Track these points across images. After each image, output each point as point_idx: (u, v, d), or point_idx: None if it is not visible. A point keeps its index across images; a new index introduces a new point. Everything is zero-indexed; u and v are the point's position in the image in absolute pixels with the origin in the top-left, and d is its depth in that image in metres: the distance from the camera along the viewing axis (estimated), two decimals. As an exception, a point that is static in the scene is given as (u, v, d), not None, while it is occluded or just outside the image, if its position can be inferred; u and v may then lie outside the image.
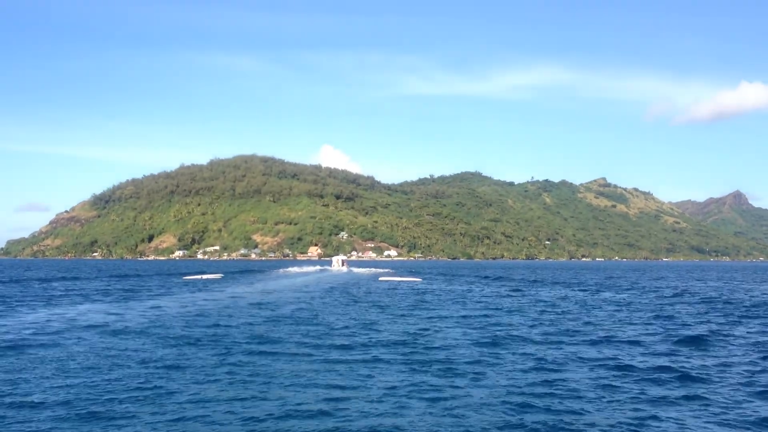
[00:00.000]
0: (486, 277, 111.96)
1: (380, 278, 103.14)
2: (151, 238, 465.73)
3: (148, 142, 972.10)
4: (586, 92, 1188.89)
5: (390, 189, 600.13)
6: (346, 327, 33.32)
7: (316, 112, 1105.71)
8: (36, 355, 24.11)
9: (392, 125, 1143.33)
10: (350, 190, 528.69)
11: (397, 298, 57.39)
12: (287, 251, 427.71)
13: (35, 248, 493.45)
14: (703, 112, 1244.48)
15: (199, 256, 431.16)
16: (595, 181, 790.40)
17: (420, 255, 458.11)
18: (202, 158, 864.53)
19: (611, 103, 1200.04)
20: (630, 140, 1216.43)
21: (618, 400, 17.95)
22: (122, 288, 71.25)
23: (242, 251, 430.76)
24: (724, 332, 32.39)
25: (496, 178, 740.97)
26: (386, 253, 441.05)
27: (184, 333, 30.21)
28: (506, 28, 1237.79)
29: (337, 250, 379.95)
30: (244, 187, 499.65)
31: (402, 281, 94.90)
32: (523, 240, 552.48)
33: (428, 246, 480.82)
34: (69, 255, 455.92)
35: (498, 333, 31.25)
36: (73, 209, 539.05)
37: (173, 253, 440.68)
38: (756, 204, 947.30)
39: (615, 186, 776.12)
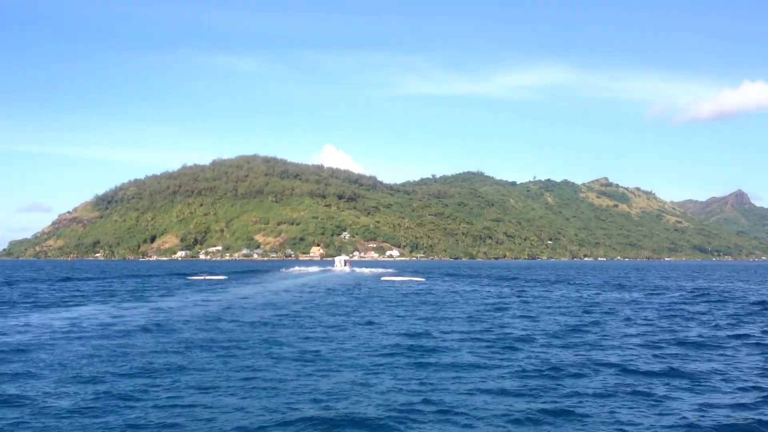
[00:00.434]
0: (503, 279, 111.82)
1: (383, 278, 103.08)
2: (153, 239, 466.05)
3: (150, 143, 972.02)
4: (587, 92, 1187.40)
5: (392, 189, 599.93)
6: (351, 328, 33.37)
7: (318, 112, 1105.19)
8: (45, 357, 24.15)
9: (394, 125, 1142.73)
10: (352, 190, 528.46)
11: (401, 298, 57.41)
12: (289, 251, 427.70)
13: (38, 249, 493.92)
14: (704, 112, 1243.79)
15: (202, 257, 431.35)
16: (597, 180, 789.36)
17: (422, 255, 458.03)
18: (205, 158, 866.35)
19: (613, 102, 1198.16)
20: (632, 140, 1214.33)
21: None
22: (127, 289, 71.29)
23: (244, 251, 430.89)
24: None
25: (498, 177, 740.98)
26: (388, 253, 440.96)
27: (191, 335, 30.28)
28: (507, 28, 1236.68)
29: (339, 251, 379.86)
30: (247, 188, 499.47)
31: (405, 281, 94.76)
32: (525, 240, 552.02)
33: (430, 246, 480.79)
34: (71, 256, 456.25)
35: (519, 335, 31.24)
36: (75, 210, 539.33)
37: (175, 253, 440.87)
38: (758, 203, 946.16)
39: (617, 185, 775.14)
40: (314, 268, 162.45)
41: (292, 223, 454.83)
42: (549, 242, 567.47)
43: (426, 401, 17.56)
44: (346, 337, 30.01)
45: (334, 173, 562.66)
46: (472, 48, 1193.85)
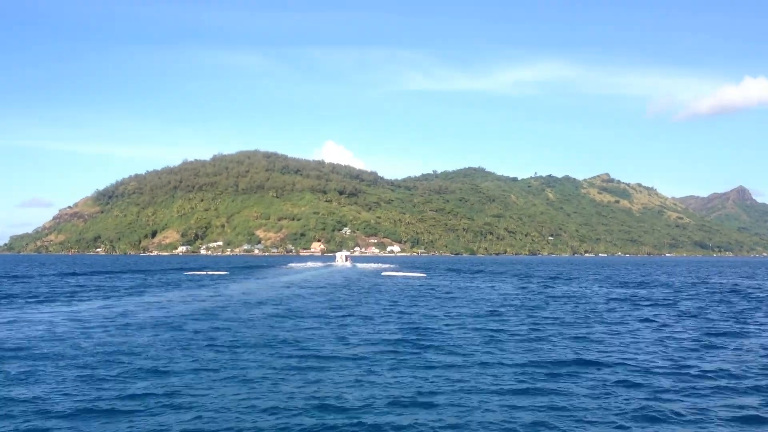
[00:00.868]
0: (521, 276, 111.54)
1: (383, 273, 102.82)
2: (154, 234, 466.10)
3: (151, 138, 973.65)
4: (588, 88, 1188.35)
5: (393, 185, 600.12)
6: (356, 323, 33.16)
7: (319, 108, 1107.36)
8: (51, 354, 23.94)
9: (395, 121, 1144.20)
10: (353, 186, 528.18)
11: (404, 293, 57.20)
12: (290, 247, 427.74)
13: (38, 244, 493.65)
14: (705, 107, 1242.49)
15: (203, 252, 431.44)
16: (598, 176, 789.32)
17: (423, 251, 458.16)
18: (206, 154, 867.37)
19: (614, 98, 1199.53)
20: (633, 135, 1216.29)
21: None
22: (130, 285, 71.13)
23: (245, 247, 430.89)
24: None
25: (499, 173, 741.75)
26: (389, 248, 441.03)
27: (190, 331, 30.07)
28: (508, 25, 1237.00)
29: (340, 246, 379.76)
30: (247, 183, 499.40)
31: (406, 276, 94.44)
32: (526, 235, 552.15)
33: (431, 242, 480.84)
34: (72, 250, 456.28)
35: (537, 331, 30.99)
36: (76, 205, 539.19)
37: (176, 248, 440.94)
38: (759, 199, 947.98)
39: (618, 181, 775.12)
40: (316, 264, 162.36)
41: (293, 219, 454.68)
42: (550, 238, 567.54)
43: (425, 398, 17.34)
44: (347, 333, 29.78)
45: (335, 169, 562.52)
46: (472, 44, 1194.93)
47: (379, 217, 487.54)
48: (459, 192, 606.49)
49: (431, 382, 19.49)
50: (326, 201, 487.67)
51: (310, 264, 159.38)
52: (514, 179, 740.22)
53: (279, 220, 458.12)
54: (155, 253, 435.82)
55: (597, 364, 22.42)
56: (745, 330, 32.50)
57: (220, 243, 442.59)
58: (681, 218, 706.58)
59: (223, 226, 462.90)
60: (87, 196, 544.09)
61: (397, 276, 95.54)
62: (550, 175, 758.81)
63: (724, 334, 30.63)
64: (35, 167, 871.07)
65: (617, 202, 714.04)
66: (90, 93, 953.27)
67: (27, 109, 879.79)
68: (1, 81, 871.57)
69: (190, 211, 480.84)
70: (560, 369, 21.53)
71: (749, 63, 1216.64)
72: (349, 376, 19.92)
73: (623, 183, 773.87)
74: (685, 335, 30.14)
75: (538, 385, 19.29)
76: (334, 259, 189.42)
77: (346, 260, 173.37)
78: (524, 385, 19.07)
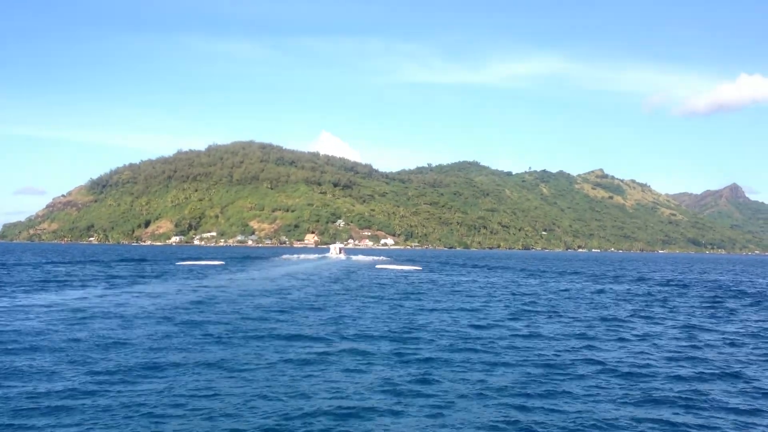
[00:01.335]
0: (538, 271, 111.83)
1: (377, 266, 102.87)
2: (147, 224, 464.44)
3: (145, 127, 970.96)
4: (584, 83, 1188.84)
5: (387, 177, 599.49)
6: (353, 318, 33.39)
7: (315, 98, 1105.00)
8: (43, 345, 24.07)
9: (391, 113, 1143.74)
10: (348, 178, 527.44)
11: (400, 287, 57.40)
12: (284, 238, 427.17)
13: (31, 232, 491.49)
14: (701, 104, 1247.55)
15: (196, 242, 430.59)
16: (592, 172, 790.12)
17: (417, 244, 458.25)
18: (200, 144, 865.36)
19: (609, 94, 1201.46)
20: (628, 132, 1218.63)
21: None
22: (127, 273, 71.14)
23: (239, 238, 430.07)
24: None
25: (493, 168, 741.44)
26: (383, 241, 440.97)
27: (191, 322, 30.25)
28: (505, 17, 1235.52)
29: (333, 238, 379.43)
30: (242, 174, 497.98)
31: (401, 270, 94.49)
32: (519, 230, 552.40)
33: (425, 235, 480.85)
34: (65, 239, 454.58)
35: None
36: (69, 193, 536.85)
37: (170, 238, 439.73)
38: (752, 197, 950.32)
39: (612, 177, 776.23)
40: (311, 256, 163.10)
41: (287, 210, 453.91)
42: (543, 233, 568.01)
43: (423, 391, 17.50)
44: (345, 326, 29.99)
45: (330, 161, 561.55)
46: (469, 36, 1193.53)
47: (373, 210, 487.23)
48: (453, 186, 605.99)
49: (428, 375, 19.69)
50: (321, 193, 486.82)
51: (305, 256, 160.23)
52: (509, 174, 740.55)
53: (273, 211, 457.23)
54: (148, 242, 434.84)
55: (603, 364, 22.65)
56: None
57: (214, 233, 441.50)
58: (674, 215, 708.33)
59: (216, 216, 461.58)
60: (81, 184, 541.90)
61: (391, 269, 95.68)
62: (544, 170, 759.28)
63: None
64: (29, 155, 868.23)
65: (611, 198, 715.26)
66: (85, 81, 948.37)
67: (21, 97, 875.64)
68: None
69: (184, 201, 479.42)
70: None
71: (746, 60, 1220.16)
72: (346, 371, 19.98)
73: (617, 179, 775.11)
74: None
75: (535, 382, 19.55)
76: (328, 251, 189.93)
77: (340, 252, 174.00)
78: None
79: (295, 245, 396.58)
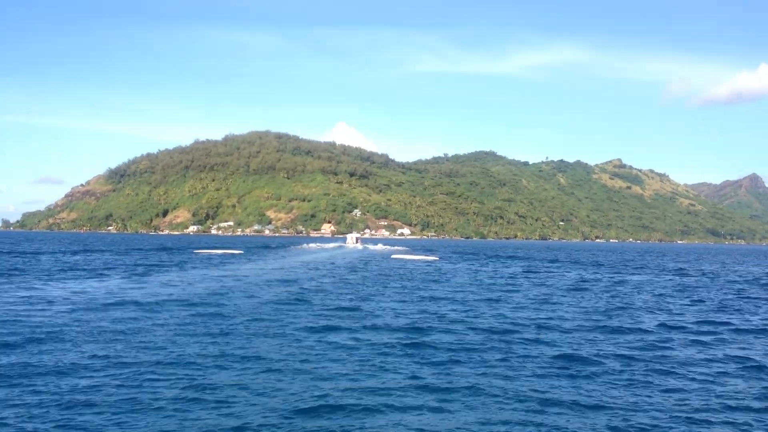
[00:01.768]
0: (558, 261, 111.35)
1: (393, 256, 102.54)
2: (165, 213, 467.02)
3: (163, 117, 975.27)
4: (602, 72, 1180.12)
5: (404, 167, 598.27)
6: (373, 309, 33.29)
7: (331, 89, 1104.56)
8: (76, 334, 24.12)
9: (407, 103, 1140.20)
10: (364, 168, 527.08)
11: (418, 277, 57.27)
12: (300, 228, 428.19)
13: (51, 221, 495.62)
14: (721, 94, 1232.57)
15: (213, 232, 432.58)
16: (610, 162, 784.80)
17: (433, 234, 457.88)
18: (217, 134, 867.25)
19: (628, 83, 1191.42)
20: (646, 121, 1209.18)
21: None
22: (149, 263, 71.50)
23: (256, 227, 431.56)
24: None
25: (510, 157, 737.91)
26: (399, 231, 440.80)
27: (217, 309, 30.28)
28: (521, 7, 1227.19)
29: (350, 228, 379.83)
30: (259, 163, 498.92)
31: (418, 259, 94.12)
32: (536, 220, 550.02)
33: (441, 225, 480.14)
34: (84, 228, 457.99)
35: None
36: (88, 183, 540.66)
37: (187, 228, 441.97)
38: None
39: (630, 167, 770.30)
40: (329, 245, 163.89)
41: (304, 200, 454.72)
42: (561, 223, 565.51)
43: (444, 386, 17.18)
44: (364, 316, 29.90)
45: (346, 150, 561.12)
46: (485, 26, 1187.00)
47: (390, 200, 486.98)
48: (470, 175, 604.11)
49: (450, 369, 19.47)
50: (337, 183, 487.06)
51: (322, 245, 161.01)
52: (526, 163, 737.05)
53: (290, 201, 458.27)
54: (166, 232, 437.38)
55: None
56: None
57: (231, 223, 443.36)
58: (693, 205, 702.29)
59: (233, 206, 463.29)
60: (99, 174, 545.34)
61: (407, 258, 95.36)
62: (561, 160, 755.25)
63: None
64: (48, 145, 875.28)
65: (629, 188, 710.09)
66: (103, 71, 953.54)
67: (40, 87, 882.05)
68: (15, 58, 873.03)
69: (201, 190, 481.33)
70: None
71: (766, 49, 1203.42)
72: (366, 364, 19.65)
73: (635, 169, 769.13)
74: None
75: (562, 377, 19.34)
76: (344, 240, 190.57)
77: (357, 242, 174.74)
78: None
79: (311, 235, 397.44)
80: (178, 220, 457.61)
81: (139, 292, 36.51)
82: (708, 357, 21.81)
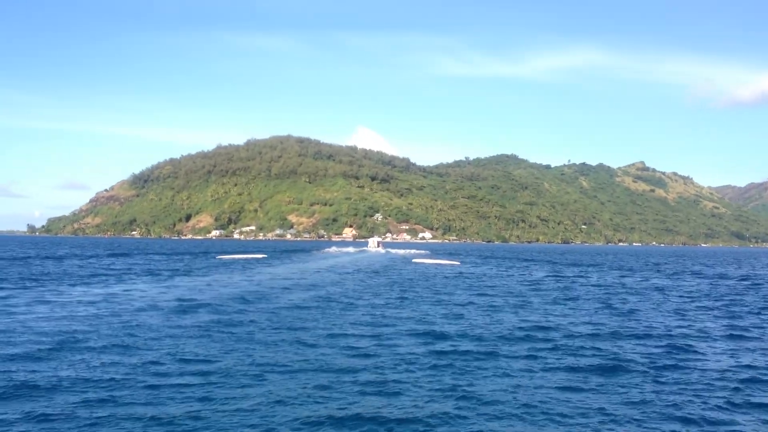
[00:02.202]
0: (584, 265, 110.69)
1: (414, 260, 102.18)
2: (188, 218, 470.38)
3: (185, 123, 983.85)
4: (624, 74, 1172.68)
5: (425, 171, 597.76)
6: (400, 313, 33.32)
7: (352, 93, 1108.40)
8: (106, 340, 24.36)
9: (428, 107, 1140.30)
10: (385, 172, 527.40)
11: (440, 282, 57.22)
12: (322, 232, 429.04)
13: (75, 226, 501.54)
14: (745, 95, 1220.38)
15: (236, 236, 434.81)
16: (633, 164, 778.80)
17: (455, 237, 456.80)
18: (239, 139, 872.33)
19: (651, 85, 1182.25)
20: (670, 123, 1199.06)
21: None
22: (177, 267, 72.05)
23: (278, 231, 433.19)
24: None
25: (532, 161, 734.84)
26: (421, 235, 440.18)
27: (242, 315, 30.49)
28: (543, 10, 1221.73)
29: (371, 232, 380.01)
30: (280, 168, 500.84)
31: (440, 264, 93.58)
32: (558, 224, 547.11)
33: (463, 229, 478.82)
34: (108, 233, 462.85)
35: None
36: (112, 188, 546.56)
37: (210, 232, 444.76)
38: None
39: (653, 170, 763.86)
40: (351, 249, 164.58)
41: (325, 204, 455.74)
42: (583, 226, 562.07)
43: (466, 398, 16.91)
44: (390, 321, 29.90)
45: (368, 154, 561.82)
46: (507, 30, 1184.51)
47: (411, 204, 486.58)
48: (491, 179, 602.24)
49: (476, 377, 19.38)
50: (358, 187, 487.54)
51: (345, 249, 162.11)
52: (548, 167, 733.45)
53: (311, 205, 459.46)
54: (189, 236, 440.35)
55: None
56: None
57: (253, 227, 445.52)
58: (717, 208, 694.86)
59: (255, 210, 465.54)
60: (123, 179, 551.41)
61: (429, 263, 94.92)
62: (583, 163, 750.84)
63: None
64: (72, 151, 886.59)
65: (652, 191, 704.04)
66: (127, 78, 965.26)
67: (65, 93, 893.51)
68: (39, 65, 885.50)
69: (223, 195, 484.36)
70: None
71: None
72: (392, 370, 19.40)
73: (659, 172, 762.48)
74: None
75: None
76: (366, 244, 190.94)
77: (378, 246, 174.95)
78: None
79: (333, 239, 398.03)
80: (201, 224, 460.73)
81: (161, 297, 36.85)
82: None
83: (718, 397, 16.67)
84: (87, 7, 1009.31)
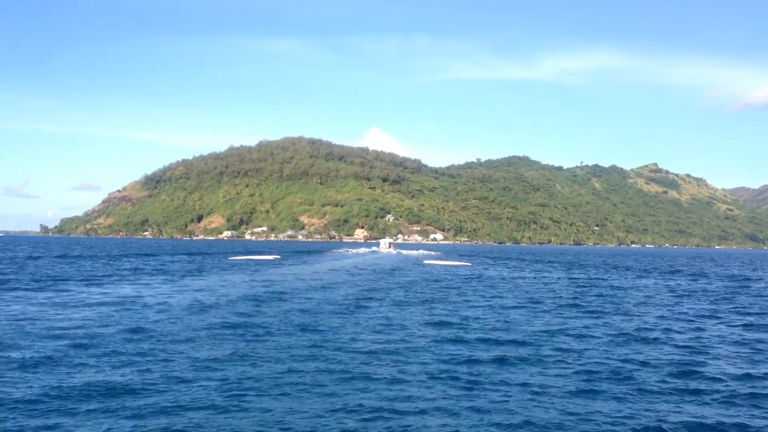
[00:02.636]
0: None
1: (425, 261, 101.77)
2: (200, 218, 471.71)
3: (198, 124, 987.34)
4: (637, 77, 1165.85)
5: (437, 172, 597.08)
6: (414, 315, 32.98)
7: (364, 95, 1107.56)
8: (128, 336, 24.15)
9: (440, 109, 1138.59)
10: (397, 173, 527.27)
11: (451, 283, 56.79)
12: (333, 233, 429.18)
13: (88, 227, 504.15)
14: (759, 97, 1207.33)
15: (247, 237, 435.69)
16: (646, 166, 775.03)
17: (466, 239, 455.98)
18: (251, 140, 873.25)
19: (664, 88, 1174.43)
20: (683, 125, 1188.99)
21: None
22: (192, 267, 72.03)
23: (289, 232, 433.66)
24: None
25: (544, 162, 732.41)
26: (432, 236, 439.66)
27: (259, 317, 30.25)
28: (555, 12, 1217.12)
29: (383, 233, 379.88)
30: (292, 169, 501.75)
31: (450, 265, 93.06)
32: (570, 225, 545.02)
33: (474, 230, 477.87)
34: (121, 234, 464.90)
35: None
36: (124, 189, 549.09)
37: (222, 233, 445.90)
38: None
39: (667, 172, 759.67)
40: (363, 250, 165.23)
41: (337, 205, 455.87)
42: (595, 228, 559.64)
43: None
44: (404, 323, 29.56)
45: (379, 156, 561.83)
46: (518, 32, 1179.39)
47: (423, 205, 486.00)
48: (503, 180, 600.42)
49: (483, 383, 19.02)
50: (370, 188, 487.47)
51: (357, 250, 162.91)
52: (560, 168, 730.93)
53: (323, 206, 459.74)
54: (201, 237, 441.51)
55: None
56: None
57: (265, 228, 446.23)
58: (731, 210, 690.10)
59: (267, 211, 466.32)
60: (135, 180, 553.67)
61: (440, 264, 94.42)
62: (596, 165, 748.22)
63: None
64: (85, 152, 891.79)
65: (665, 192, 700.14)
66: (139, 81, 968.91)
67: (78, 96, 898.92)
68: (52, 68, 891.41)
69: (235, 196, 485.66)
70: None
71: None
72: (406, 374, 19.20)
73: (672, 173, 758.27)
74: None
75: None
76: (378, 245, 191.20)
77: (390, 247, 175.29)
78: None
79: (344, 240, 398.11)
80: (213, 225, 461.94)
81: (174, 298, 36.66)
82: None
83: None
84: (100, 12, 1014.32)
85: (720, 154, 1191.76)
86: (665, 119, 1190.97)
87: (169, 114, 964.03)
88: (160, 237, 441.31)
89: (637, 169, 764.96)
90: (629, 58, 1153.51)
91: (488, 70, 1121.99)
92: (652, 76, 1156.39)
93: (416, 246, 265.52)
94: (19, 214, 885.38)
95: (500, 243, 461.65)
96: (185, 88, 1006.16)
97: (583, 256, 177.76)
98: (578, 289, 50.20)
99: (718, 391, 17.31)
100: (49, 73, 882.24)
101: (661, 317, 32.53)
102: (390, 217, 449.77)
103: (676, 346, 23.88)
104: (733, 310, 37.40)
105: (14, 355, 19.54)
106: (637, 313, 33.87)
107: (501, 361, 20.43)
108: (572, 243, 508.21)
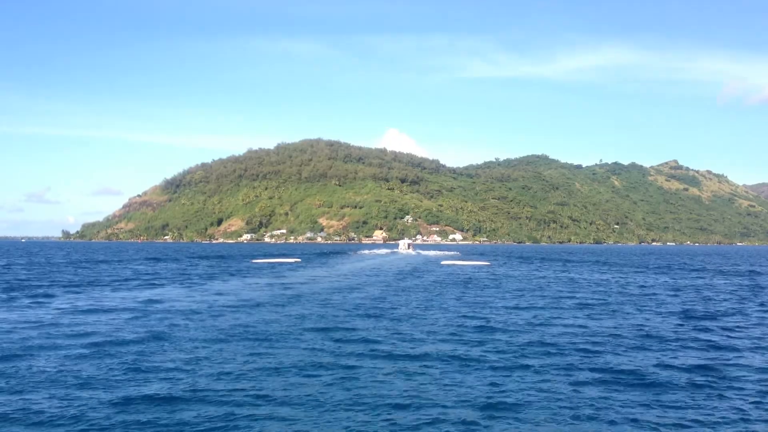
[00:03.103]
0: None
1: (443, 262, 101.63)
2: (220, 222, 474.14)
3: (216, 128, 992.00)
4: (656, 73, 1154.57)
5: (455, 172, 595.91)
6: (434, 317, 33.00)
7: (382, 95, 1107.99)
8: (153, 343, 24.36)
9: (457, 109, 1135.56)
10: (415, 174, 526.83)
11: (471, 283, 56.72)
12: (352, 235, 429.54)
13: (109, 231, 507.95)
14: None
15: (266, 240, 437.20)
16: (666, 163, 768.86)
17: (485, 239, 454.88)
18: (269, 143, 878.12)
19: (683, 83, 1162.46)
20: (703, 121, 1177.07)
21: None
22: (215, 271, 72.49)
23: (308, 234, 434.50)
24: None
25: (563, 161, 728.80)
26: (451, 236, 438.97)
27: (287, 321, 30.40)
28: (571, 9, 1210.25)
29: (401, 234, 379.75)
30: (310, 171, 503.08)
31: (469, 265, 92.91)
32: (590, 224, 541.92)
33: (493, 230, 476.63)
34: (141, 238, 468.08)
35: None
36: (145, 193, 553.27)
37: (241, 236, 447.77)
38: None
39: (687, 168, 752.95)
40: (383, 251, 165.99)
41: (355, 207, 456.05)
42: (616, 226, 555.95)
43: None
44: (425, 324, 29.58)
45: (397, 157, 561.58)
46: (534, 30, 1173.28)
47: (441, 205, 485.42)
48: (522, 180, 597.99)
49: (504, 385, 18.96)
50: (388, 189, 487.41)
51: (377, 251, 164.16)
52: (579, 167, 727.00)
53: (341, 208, 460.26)
54: (221, 240, 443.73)
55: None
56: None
57: (284, 231, 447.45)
58: (753, 206, 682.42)
59: (286, 214, 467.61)
60: (155, 185, 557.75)
61: (459, 264, 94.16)
62: (615, 163, 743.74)
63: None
64: (106, 158, 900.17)
65: (686, 189, 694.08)
66: (158, 85, 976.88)
67: (98, 102, 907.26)
68: (74, 74, 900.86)
69: (254, 199, 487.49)
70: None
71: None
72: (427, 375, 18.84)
73: (692, 170, 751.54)
74: None
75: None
76: (397, 246, 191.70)
77: (409, 248, 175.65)
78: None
79: (363, 241, 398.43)
80: (232, 228, 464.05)
81: (200, 302, 36.93)
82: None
83: None
84: (119, 17, 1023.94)
85: (741, 149, 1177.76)
86: (684, 115, 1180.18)
87: (189, 118, 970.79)
88: (181, 241, 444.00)
89: (657, 166, 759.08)
90: (645, 54, 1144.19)
91: (505, 69, 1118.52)
92: (670, 71, 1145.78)
93: (436, 246, 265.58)
94: (41, 219, 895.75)
95: (520, 243, 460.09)
96: (204, 91, 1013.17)
97: (613, 255, 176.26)
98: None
99: None
100: (71, 79, 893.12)
101: None
102: (409, 218, 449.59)
103: None
104: None
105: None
106: None
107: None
108: (592, 242, 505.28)
